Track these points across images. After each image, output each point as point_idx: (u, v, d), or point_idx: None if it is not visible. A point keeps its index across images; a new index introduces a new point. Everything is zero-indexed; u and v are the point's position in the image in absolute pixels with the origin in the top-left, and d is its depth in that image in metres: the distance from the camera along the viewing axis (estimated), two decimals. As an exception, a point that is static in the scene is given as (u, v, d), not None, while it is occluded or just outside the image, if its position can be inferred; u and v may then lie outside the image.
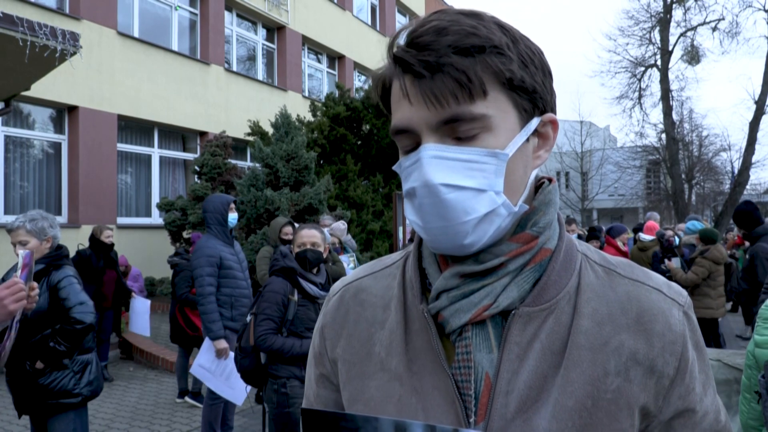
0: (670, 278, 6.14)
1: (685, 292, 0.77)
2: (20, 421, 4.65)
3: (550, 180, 0.80)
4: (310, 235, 3.34)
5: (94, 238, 6.44)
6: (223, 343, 4.01)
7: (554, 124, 0.75)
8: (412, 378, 0.74)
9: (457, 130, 0.68)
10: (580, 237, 8.25)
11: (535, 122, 0.72)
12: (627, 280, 0.75)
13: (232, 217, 4.26)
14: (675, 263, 6.41)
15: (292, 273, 3.23)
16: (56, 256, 2.99)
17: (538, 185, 0.79)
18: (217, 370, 4.03)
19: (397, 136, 0.72)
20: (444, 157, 0.67)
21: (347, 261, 5.68)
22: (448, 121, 0.67)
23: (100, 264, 6.32)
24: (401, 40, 0.70)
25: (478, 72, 0.66)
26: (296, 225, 5.03)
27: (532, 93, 0.70)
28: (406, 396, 0.73)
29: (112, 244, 6.61)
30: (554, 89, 0.75)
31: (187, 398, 5.64)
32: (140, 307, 6.47)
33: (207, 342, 4.07)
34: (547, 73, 0.73)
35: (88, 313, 2.91)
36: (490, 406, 0.69)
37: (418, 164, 0.68)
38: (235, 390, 3.99)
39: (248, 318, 3.27)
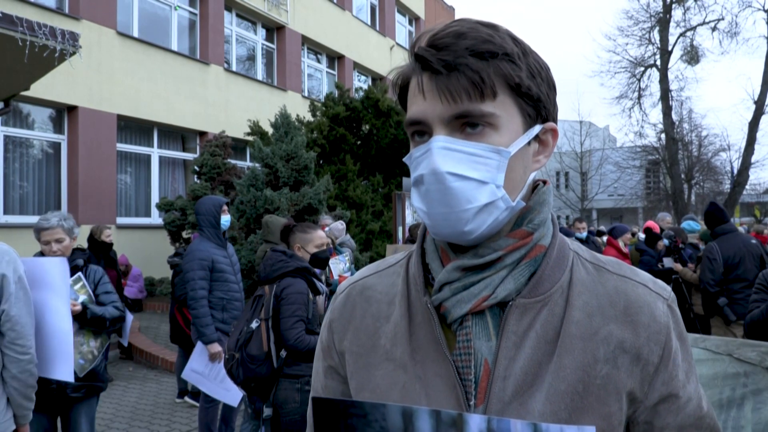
0: (677, 280, 6.11)
1: (669, 288, 0.83)
2: None
3: (545, 182, 0.85)
4: (324, 236, 3.57)
5: (92, 238, 6.43)
6: (216, 347, 3.97)
7: (554, 132, 0.81)
8: (415, 366, 0.79)
9: (466, 126, 0.74)
10: (587, 236, 8.10)
11: (537, 128, 0.78)
12: (615, 275, 0.81)
13: (225, 219, 4.21)
14: (667, 263, 6.34)
15: (308, 273, 3.26)
16: (85, 252, 3.22)
17: (535, 187, 0.84)
18: (210, 373, 4.00)
19: (411, 127, 0.78)
20: (452, 149, 0.73)
21: (343, 260, 5.68)
22: (459, 116, 0.73)
23: (101, 264, 6.30)
24: (423, 42, 0.76)
25: (490, 74, 0.72)
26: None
27: (537, 101, 0.76)
28: (410, 383, 0.78)
29: (111, 244, 6.61)
30: (557, 103, 0.82)
31: (186, 398, 5.64)
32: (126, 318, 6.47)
33: (200, 346, 4.03)
34: (552, 87, 0.79)
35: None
36: (488, 390, 0.74)
37: (429, 153, 0.74)
38: (231, 392, 3.97)
39: (253, 324, 3.11)
